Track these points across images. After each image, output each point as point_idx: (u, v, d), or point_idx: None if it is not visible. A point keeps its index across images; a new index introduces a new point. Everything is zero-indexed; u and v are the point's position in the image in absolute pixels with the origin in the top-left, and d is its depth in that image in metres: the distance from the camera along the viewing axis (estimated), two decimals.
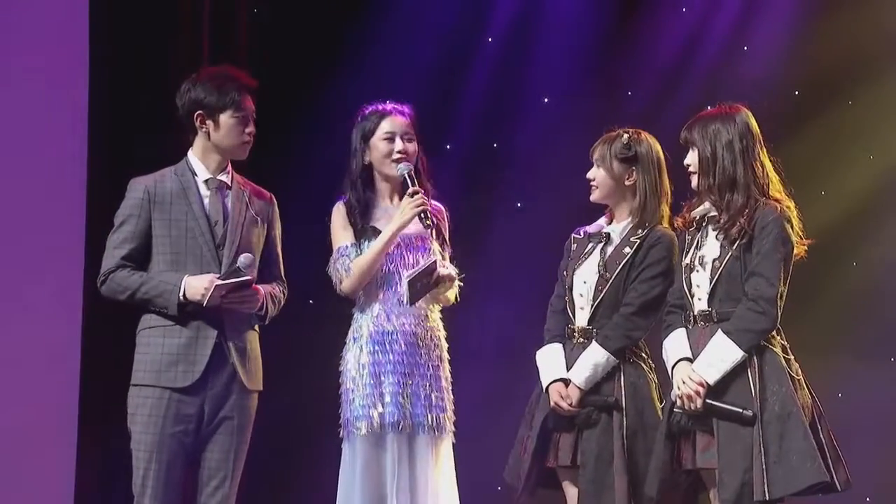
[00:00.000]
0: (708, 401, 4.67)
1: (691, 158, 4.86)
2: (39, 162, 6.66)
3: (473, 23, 7.45)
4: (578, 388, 5.00)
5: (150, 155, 5.18)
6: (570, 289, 5.13)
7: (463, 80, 7.45)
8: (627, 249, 5.06)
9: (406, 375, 5.15)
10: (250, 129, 5.04)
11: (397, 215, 5.20)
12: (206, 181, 5.02)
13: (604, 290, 5.06)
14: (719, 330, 4.70)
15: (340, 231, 5.30)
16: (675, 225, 4.96)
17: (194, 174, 5.02)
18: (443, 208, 5.35)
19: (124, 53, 6.70)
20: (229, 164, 5.08)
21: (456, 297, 5.32)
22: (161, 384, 4.88)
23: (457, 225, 5.42)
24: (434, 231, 5.20)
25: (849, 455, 4.72)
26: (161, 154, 5.25)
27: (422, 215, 5.15)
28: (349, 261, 5.22)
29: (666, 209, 5.13)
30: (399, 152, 5.24)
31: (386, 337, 5.19)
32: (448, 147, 7.09)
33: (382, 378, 5.16)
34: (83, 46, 6.72)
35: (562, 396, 5.01)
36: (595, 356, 5.00)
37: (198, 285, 4.84)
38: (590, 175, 5.16)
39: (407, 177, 5.22)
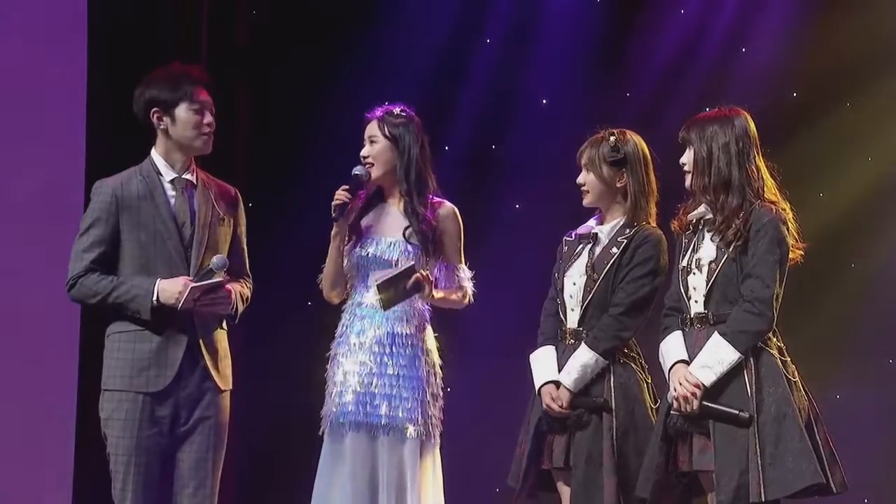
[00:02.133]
0: (704, 403, 4.66)
1: (687, 157, 4.86)
2: (38, 162, 6.68)
3: (472, 24, 7.46)
4: (568, 389, 5.00)
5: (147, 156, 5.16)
6: (561, 291, 5.12)
7: (462, 81, 7.45)
8: (615, 250, 5.05)
9: (372, 375, 5.09)
10: (208, 119, 4.97)
11: None
12: (171, 181, 4.96)
13: (592, 291, 5.05)
14: (715, 332, 4.69)
15: None
16: (672, 228, 4.94)
17: (159, 174, 4.96)
18: (450, 214, 5.23)
19: (123, 54, 6.70)
20: (193, 163, 5.03)
21: (469, 300, 5.26)
22: (133, 389, 4.84)
23: None
24: (411, 232, 5.16)
25: (846, 457, 4.71)
26: None
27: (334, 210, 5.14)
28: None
29: (654, 207, 5.13)
30: (361, 157, 5.24)
31: (357, 336, 5.14)
32: (447, 148, 7.09)
33: (348, 377, 5.12)
34: (81, 47, 6.73)
35: (553, 398, 5.01)
36: (584, 357, 5.00)
37: (172, 289, 4.80)
38: (580, 180, 5.15)
39: (352, 178, 5.20)
